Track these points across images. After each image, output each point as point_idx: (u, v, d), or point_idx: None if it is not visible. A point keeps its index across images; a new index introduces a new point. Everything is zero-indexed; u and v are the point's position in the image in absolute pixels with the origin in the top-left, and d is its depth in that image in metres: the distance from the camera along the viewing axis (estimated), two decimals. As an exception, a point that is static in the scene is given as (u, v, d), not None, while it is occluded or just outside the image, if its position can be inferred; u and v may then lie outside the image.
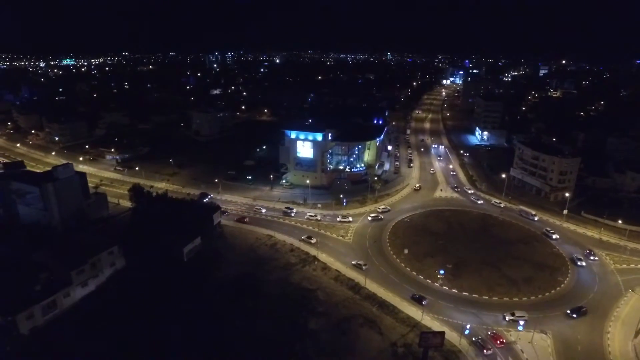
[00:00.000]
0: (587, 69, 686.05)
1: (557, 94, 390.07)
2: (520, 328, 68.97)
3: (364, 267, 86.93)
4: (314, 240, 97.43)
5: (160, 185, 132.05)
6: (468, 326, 68.50)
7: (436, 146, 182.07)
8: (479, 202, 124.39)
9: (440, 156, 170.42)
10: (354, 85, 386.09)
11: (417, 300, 77.13)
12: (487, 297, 79.36)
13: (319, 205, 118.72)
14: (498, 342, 66.64)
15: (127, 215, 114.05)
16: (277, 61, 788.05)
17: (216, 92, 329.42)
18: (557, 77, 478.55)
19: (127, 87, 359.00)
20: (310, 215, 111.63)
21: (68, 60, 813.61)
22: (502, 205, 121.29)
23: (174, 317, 70.79)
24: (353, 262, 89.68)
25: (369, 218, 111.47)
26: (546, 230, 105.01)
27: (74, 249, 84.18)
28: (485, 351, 64.81)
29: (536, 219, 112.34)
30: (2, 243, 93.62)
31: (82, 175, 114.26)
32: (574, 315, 72.90)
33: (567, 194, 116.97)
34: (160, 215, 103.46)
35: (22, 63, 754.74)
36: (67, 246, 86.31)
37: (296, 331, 69.86)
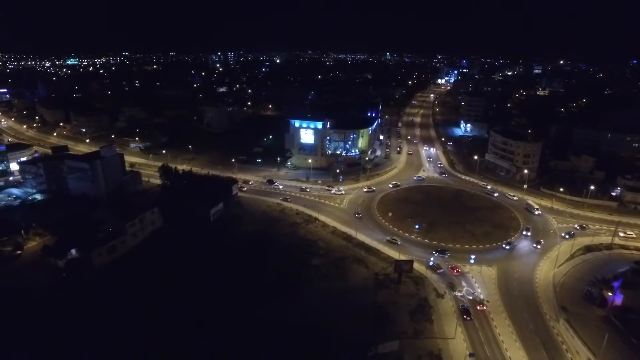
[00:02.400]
0: (584, 69, 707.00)
1: (545, 92, 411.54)
2: (472, 261, 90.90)
3: (288, 199, 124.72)
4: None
5: (182, 167, 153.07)
6: (432, 259, 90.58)
7: (427, 148, 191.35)
8: (495, 194, 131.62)
9: (430, 157, 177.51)
10: (352, 84, 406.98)
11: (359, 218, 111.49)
12: (451, 245, 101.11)
13: (319, 182, 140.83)
14: (455, 271, 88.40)
15: (157, 189, 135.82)
16: (277, 61, 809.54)
17: (222, 89, 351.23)
18: (548, 76, 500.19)
19: (137, 85, 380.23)
20: (335, 191, 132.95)
21: (71, 60, 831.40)
22: (515, 198, 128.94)
23: (205, 262, 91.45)
24: (280, 199, 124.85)
25: (390, 185, 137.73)
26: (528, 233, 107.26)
27: (124, 209, 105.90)
28: (438, 270, 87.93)
29: (537, 212, 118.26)
30: (61, 208, 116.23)
31: (121, 155, 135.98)
32: (434, 252, 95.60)
33: (525, 171, 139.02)
34: (187, 187, 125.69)
35: (29, 63, 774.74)
36: (118, 207, 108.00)
37: (302, 266, 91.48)
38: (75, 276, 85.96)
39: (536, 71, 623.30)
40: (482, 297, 79.81)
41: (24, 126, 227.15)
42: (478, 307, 75.94)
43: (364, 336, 68.59)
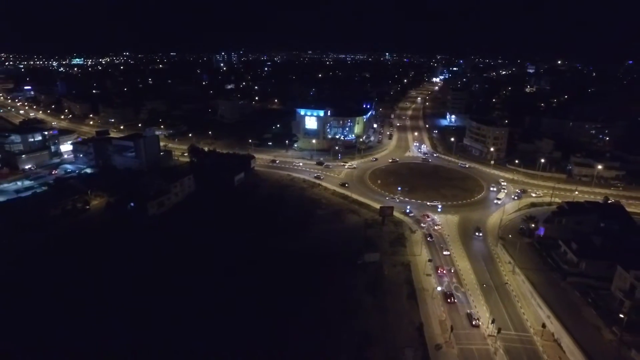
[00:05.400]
0: (579, 68, 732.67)
1: (532, 90, 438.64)
2: (439, 209, 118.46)
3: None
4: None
5: (205, 148, 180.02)
6: (408, 207, 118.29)
7: (417, 144, 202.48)
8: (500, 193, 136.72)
9: (417, 142, 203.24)
10: (351, 82, 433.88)
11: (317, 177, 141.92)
12: (426, 202, 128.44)
13: (322, 159, 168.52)
14: (426, 217, 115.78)
15: (186, 165, 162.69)
16: (278, 61, 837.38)
17: (230, 86, 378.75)
18: (538, 75, 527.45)
19: (151, 82, 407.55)
20: (349, 166, 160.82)
21: (77, 59, 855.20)
22: (517, 198, 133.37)
23: (231, 217, 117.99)
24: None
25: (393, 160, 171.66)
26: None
27: (167, 175, 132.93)
28: (410, 214, 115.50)
29: (496, 202, 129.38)
30: (110, 178, 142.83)
31: (157, 136, 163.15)
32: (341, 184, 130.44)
33: (492, 149, 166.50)
34: (213, 161, 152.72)
35: (37, 63, 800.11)
36: (162, 174, 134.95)
37: (309, 215, 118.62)
38: (135, 221, 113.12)
39: (529, 70, 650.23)
40: (438, 221, 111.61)
41: (62, 116, 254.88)
42: (435, 227, 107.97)
43: (355, 254, 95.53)
